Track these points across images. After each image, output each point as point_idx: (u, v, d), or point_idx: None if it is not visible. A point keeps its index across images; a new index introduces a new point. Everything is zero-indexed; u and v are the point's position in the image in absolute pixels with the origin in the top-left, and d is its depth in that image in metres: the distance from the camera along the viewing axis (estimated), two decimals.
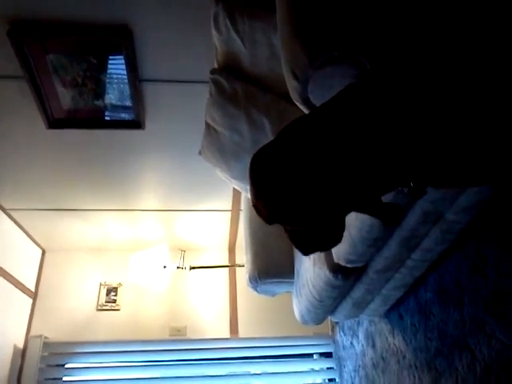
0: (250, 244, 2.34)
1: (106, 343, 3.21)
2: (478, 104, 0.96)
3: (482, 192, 1.32)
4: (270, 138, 1.72)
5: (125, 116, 2.40)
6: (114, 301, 3.45)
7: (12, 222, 3.18)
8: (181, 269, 3.33)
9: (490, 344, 1.46)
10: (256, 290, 2.30)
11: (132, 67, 2.10)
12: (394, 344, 2.22)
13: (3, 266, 2.99)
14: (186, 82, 2.24)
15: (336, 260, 1.71)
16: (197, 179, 2.89)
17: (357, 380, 2.76)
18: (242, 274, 2.70)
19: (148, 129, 2.45)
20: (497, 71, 1.00)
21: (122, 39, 1.98)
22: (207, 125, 1.90)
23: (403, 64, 1.05)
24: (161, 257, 3.26)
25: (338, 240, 0.99)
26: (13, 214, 3.12)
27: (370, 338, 2.53)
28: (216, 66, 1.86)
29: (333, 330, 3.33)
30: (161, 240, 3.47)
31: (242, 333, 3.40)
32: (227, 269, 3.63)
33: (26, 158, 2.62)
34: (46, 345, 3.12)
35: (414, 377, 2.00)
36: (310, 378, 3.32)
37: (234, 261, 3.68)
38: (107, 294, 3.47)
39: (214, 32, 1.72)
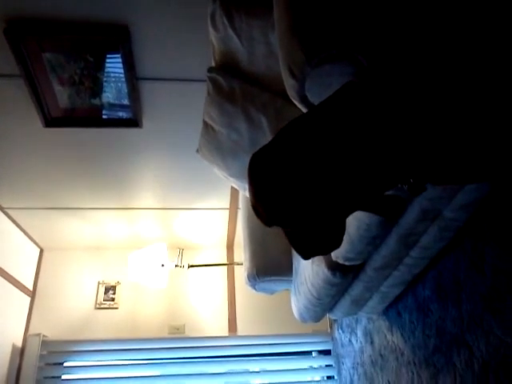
0: (249, 242, 2.34)
1: (104, 341, 3.21)
2: (477, 101, 0.96)
3: (480, 189, 1.33)
4: (268, 136, 1.72)
5: (122, 114, 2.39)
6: (113, 299, 3.45)
7: (10, 221, 3.17)
8: (179, 267, 3.33)
9: (488, 341, 1.47)
10: (254, 288, 2.30)
11: (129, 66, 2.09)
12: (393, 341, 2.22)
13: (1, 265, 2.98)
14: (184, 81, 2.23)
15: (334, 258, 1.71)
16: (195, 177, 2.89)
17: (355, 377, 2.77)
18: (241, 272, 2.71)
19: (145, 127, 2.44)
20: (495, 68, 0.99)
21: (119, 37, 1.98)
22: (205, 123, 1.90)
23: (401, 61, 1.05)
24: (159, 255, 3.25)
25: (338, 243, 0.98)
26: (10, 212, 3.11)
27: (369, 336, 2.54)
28: (213, 64, 1.85)
29: (331, 327, 3.33)
30: (159, 238, 3.47)
31: (240, 331, 3.40)
32: (225, 267, 3.63)
33: (23, 157, 2.61)
34: (45, 343, 3.12)
35: (413, 373, 2.01)
36: (308, 376, 3.33)
37: (233, 259, 3.68)
38: (105, 293, 3.47)
39: (211, 30, 1.72)
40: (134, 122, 2.39)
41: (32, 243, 3.48)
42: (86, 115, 2.36)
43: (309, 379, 3.30)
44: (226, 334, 3.38)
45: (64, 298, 3.42)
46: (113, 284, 3.50)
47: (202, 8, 1.77)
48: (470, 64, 0.98)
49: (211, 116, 1.85)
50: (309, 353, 3.37)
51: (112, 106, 2.34)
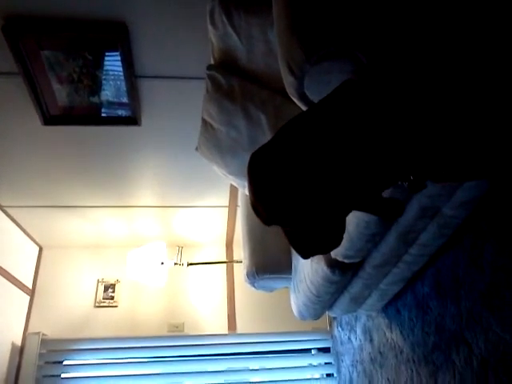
0: (248, 240, 2.34)
1: (103, 340, 3.21)
2: (476, 98, 0.96)
3: (479, 187, 1.33)
4: (267, 133, 1.72)
5: (121, 112, 2.39)
6: (112, 297, 3.45)
7: (9, 220, 3.17)
8: (178, 265, 3.33)
9: (487, 338, 1.47)
10: (254, 286, 2.30)
11: (128, 63, 2.09)
12: (392, 339, 2.23)
13: (0, 264, 2.98)
14: (183, 78, 2.23)
15: (333, 256, 1.71)
16: (194, 175, 2.88)
17: (355, 375, 2.78)
18: (240, 270, 2.71)
19: (144, 125, 2.44)
20: (494, 65, 0.99)
21: (117, 35, 1.97)
22: (204, 121, 1.90)
23: (400, 59, 1.05)
24: (158, 253, 3.25)
25: (338, 242, 0.98)
26: (9, 211, 3.11)
27: (368, 333, 2.54)
28: (212, 62, 1.85)
29: (330, 325, 3.34)
30: (158, 236, 3.47)
31: (239, 329, 3.41)
32: (225, 265, 3.63)
33: (22, 155, 2.61)
34: (44, 342, 3.12)
35: (412, 371, 2.01)
36: (308, 373, 3.33)
37: (232, 257, 3.68)
38: (105, 291, 3.47)
39: (210, 27, 1.71)
40: (132, 120, 2.39)
41: (31, 241, 3.48)
42: (85, 113, 2.36)
43: (308, 377, 3.30)
44: (226, 332, 3.38)
45: (63, 296, 3.42)
46: (112, 282, 3.50)
47: (200, 6, 1.77)
48: (468, 62, 0.98)
49: (210, 114, 1.85)
50: (308, 350, 3.37)
51: (111, 104, 2.34)
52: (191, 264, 3.38)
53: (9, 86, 2.17)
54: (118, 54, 2.05)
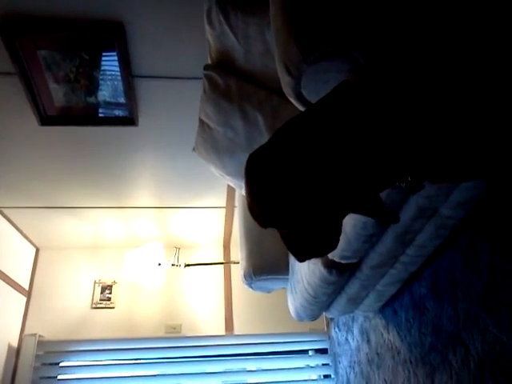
0: (245, 241, 2.34)
1: (100, 341, 3.20)
2: (474, 99, 0.96)
3: (476, 187, 1.33)
4: (264, 133, 1.72)
5: (118, 113, 2.38)
6: (109, 299, 3.44)
7: (5, 221, 3.16)
8: (175, 266, 3.32)
9: (484, 338, 1.47)
10: (251, 287, 2.30)
11: (125, 63, 2.08)
12: (389, 339, 2.22)
13: None
14: (180, 79, 2.23)
15: (330, 256, 1.71)
16: (191, 176, 2.88)
17: (352, 376, 2.77)
18: (237, 271, 2.71)
19: (141, 125, 2.43)
20: (492, 66, 0.99)
21: (114, 35, 1.97)
22: (201, 121, 1.89)
23: (398, 59, 1.05)
24: (155, 254, 3.24)
25: (334, 245, 0.98)
26: (6, 212, 3.10)
27: (365, 334, 2.54)
28: (209, 61, 1.85)
29: (328, 326, 3.33)
30: (155, 237, 3.46)
31: (237, 330, 3.40)
32: (222, 266, 3.62)
33: (19, 156, 2.60)
34: (41, 343, 3.10)
35: (409, 372, 2.01)
36: (305, 375, 3.32)
37: (229, 258, 3.67)
38: (102, 292, 3.46)
39: (207, 27, 1.71)
40: (130, 120, 2.38)
41: (28, 243, 3.47)
42: (82, 113, 2.35)
43: (306, 378, 3.29)
44: (223, 333, 3.37)
45: (60, 297, 3.41)
46: (109, 283, 3.49)
47: (197, 5, 1.76)
48: (467, 62, 0.98)
49: (207, 114, 1.85)
50: (305, 351, 3.37)
51: (108, 104, 2.34)
52: (188, 265, 3.37)
53: (5, 86, 2.17)
54: (114, 53, 2.05)
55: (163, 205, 3.24)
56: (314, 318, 2.24)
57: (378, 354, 2.36)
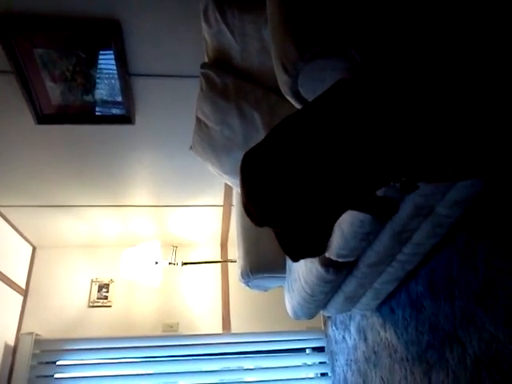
0: (242, 239, 2.33)
1: (97, 340, 3.19)
2: (470, 98, 0.96)
3: (474, 186, 1.33)
4: (261, 132, 1.72)
5: (115, 111, 2.38)
6: (106, 297, 3.44)
7: (2, 219, 3.15)
8: (173, 265, 3.31)
9: (481, 337, 1.47)
10: (248, 286, 2.29)
11: (122, 62, 2.08)
12: (386, 338, 2.23)
13: None
14: (177, 77, 2.22)
15: (327, 255, 1.70)
16: (188, 174, 2.88)
17: (349, 374, 2.78)
18: (235, 270, 2.70)
19: (138, 124, 2.43)
20: (487, 65, 0.99)
21: (111, 33, 1.96)
22: (198, 120, 1.89)
23: (394, 58, 1.05)
24: (152, 253, 3.24)
25: (324, 249, 0.98)
26: (2, 210, 3.09)
27: (362, 332, 2.54)
28: (206, 60, 1.85)
29: (325, 324, 3.34)
30: (152, 236, 3.46)
31: (234, 328, 3.40)
32: (219, 264, 3.62)
33: (15, 154, 2.59)
34: (38, 342, 3.10)
35: (406, 370, 2.01)
36: (302, 373, 3.33)
37: (226, 256, 3.67)
38: (99, 291, 3.45)
39: (203, 25, 1.71)
40: (126, 119, 2.38)
41: (24, 241, 3.46)
42: (79, 112, 2.35)
43: (303, 376, 3.30)
44: (220, 332, 3.37)
45: (57, 296, 3.40)
46: (106, 282, 3.48)
47: (194, 4, 1.76)
48: (463, 61, 0.98)
49: (204, 112, 1.85)
50: (303, 350, 3.37)
51: (105, 102, 2.33)
52: (186, 263, 3.37)
53: (1, 84, 2.16)
54: (111, 52, 2.04)
55: (160, 203, 3.24)
56: (311, 316, 2.24)
57: (374, 352, 2.37)
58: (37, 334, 3.12)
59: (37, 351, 3.08)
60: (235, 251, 2.45)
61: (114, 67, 2.11)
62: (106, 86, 2.24)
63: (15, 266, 3.32)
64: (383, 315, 2.26)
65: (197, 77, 1.86)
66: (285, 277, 2.26)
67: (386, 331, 2.23)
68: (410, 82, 0.97)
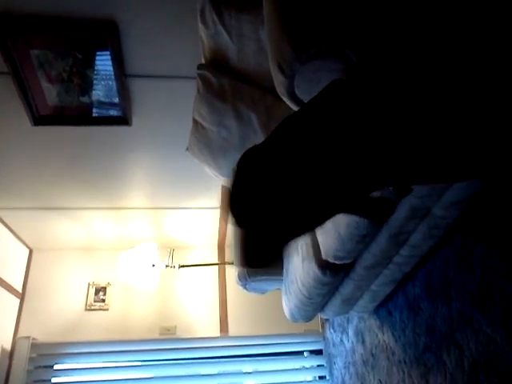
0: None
1: (95, 343, 3.17)
2: (466, 98, 0.96)
3: (470, 187, 1.33)
4: (258, 133, 1.71)
5: (112, 112, 2.37)
6: (103, 300, 3.42)
7: None
8: (170, 267, 3.30)
9: (478, 339, 1.47)
10: (245, 288, 2.29)
11: (118, 63, 2.07)
12: (384, 340, 2.22)
13: None
14: (174, 78, 2.22)
15: (324, 257, 1.70)
16: (185, 176, 2.87)
17: (347, 377, 2.77)
18: (232, 272, 2.69)
19: (135, 125, 2.42)
20: (484, 65, 0.99)
21: (107, 34, 1.96)
22: (195, 121, 1.89)
23: (390, 59, 1.05)
24: (149, 255, 3.23)
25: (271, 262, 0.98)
26: None
27: (360, 335, 2.54)
28: (203, 61, 1.84)
29: (323, 327, 3.33)
30: (149, 238, 3.44)
31: (232, 331, 3.39)
32: (217, 267, 3.61)
33: (11, 156, 2.58)
34: (34, 346, 3.07)
35: (404, 373, 2.00)
36: (300, 376, 3.32)
37: (224, 259, 3.66)
38: (96, 294, 3.43)
39: (200, 26, 1.71)
40: (123, 120, 2.37)
41: (21, 244, 3.44)
42: (76, 113, 2.33)
43: (301, 379, 3.29)
44: (218, 335, 3.36)
45: (54, 299, 3.38)
46: (103, 285, 3.46)
47: (191, 4, 1.76)
48: (459, 64, 0.98)
49: (201, 114, 1.84)
50: (301, 353, 3.36)
51: (101, 103, 2.32)
52: (183, 266, 3.36)
53: None
54: (108, 53, 2.03)
55: (157, 205, 3.23)
56: (309, 318, 2.23)
57: (372, 354, 2.36)
58: (34, 338, 3.10)
59: (34, 355, 3.06)
60: (232, 253, 2.44)
61: (111, 68, 2.11)
62: (103, 87, 2.23)
63: (11, 268, 3.30)
64: (381, 317, 2.25)
65: (194, 78, 1.86)
66: (282, 279, 2.25)
67: (383, 333, 2.23)
68: (406, 83, 0.96)
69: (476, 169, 1.08)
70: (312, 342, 3.32)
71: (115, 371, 3.16)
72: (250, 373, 3.29)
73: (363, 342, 2.49)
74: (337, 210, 0.96)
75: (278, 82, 1.17)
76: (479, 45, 0.99)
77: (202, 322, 3.43)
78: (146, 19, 1.94)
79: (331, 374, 3.11)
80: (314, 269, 1.76)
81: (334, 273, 1.75)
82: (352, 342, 2.67)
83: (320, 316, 2.52)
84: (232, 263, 2.61)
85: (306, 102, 1.11)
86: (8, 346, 3.07)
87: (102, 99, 2.29)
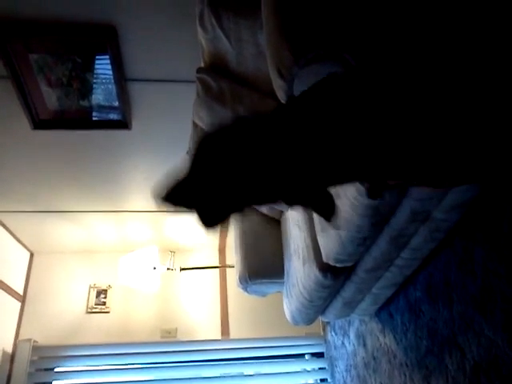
0: (240, 244, 2.33)
1: (95, 346, 3.17)
2: (465, 102, 0.95)
3: (470, 190, 1.32)
4: None
5: (112, 116, 2.37)
6: (104, 303, 3.42)
7: None
8: (171, 270, 3.30)
9: (479, 342, 1.46)
10: (246, 291, 2.29)
11: (118, 67, 2.07)
12: (385, 343, 2.21)
13: None
14: (173, 82, 2.22)
15: (325, 260, 1.70)
16: None
17: (348, 380, 2.76)
18: (233, 275, 2.68)
19: (135, 129, 2.42)
20: (483, 69, 0.99)
21: (107, 38, 1.96)
22: (194, 124, 1.89)
23: (388, 62, 1.04)
24: (150, 258, 3.23)
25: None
26: None
27: (361, 338, 2.53)
28: (202, 65, 1.84)
29: (324, 329, 3.32)
30: (150, 241, 3.44)
31: (233, 334, 3.38)
32: (218, 270, 3.60)
33: (12, 160, 2.59)
34: (35, 349, 3.07)
35: (405, 376, 2.00)
36: (302, 379, 3.31)
37: (225, 261, 3.66)
38: (97, 297, 3.44)
39: (199, 30, 1.70)
40: (123, 124, 2.37)
41: (22, 247, 3.44)
42: (75, 117, 2.34)
43: (302, 382, 3.28)
44: (219, 338, 3.35)
45: (55, 302, 3.38)
46: (104, 288, 3.46)
47: (190, 8, 1.76)
48: (457, 69, 0.98)
49: (201, 117, 1.84)
50: (302, 355, 3.35)
51: (101, 107, 2.32)
52: (184, 269, 3.36)
53: None
54: (107, 57, 2.04)
55: (158, 208, 3.21)
56: (310, 321, 2.23)
57: (374, 357, 2.35)
58: (35, 341, 3.10)
59: (35, 358, 3.06)
60: (233, 256, 2.44)
61: (110, 72, 2.11)
62: (103, 91, 2.24)
63: (13, 272, 3.30)
64: (382, 320, 2.25)
65: (193, 82, 1.86)
66: (283, 282, 2.25)
67: (385, 336, 2.22)
68: (404, 85, 0.96)
69: (475, 173, 1.07)
70: (313, 344, 3.31)
71: (116, 374, 3.16)
72: (251, 375, 3.29)
73: (364, 344, 2.48)
74: (284, 195, 0.96)
75: (277, 86, 1.17)
76: (478, 50, 0.99)
77: (203, 324, 3.42)
78: (145, 23, 1.95)
79: (333, 376, 3.11)
80: (314, 272, 1.76)
81: (334, 276, 1.74)
82: (353, 345, 2.66)
83: (321, 319, 2.52)
84: (233, 266, 2.61)
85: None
86: (9, 349, 3.07)
87: (102, 103, 2.29)
